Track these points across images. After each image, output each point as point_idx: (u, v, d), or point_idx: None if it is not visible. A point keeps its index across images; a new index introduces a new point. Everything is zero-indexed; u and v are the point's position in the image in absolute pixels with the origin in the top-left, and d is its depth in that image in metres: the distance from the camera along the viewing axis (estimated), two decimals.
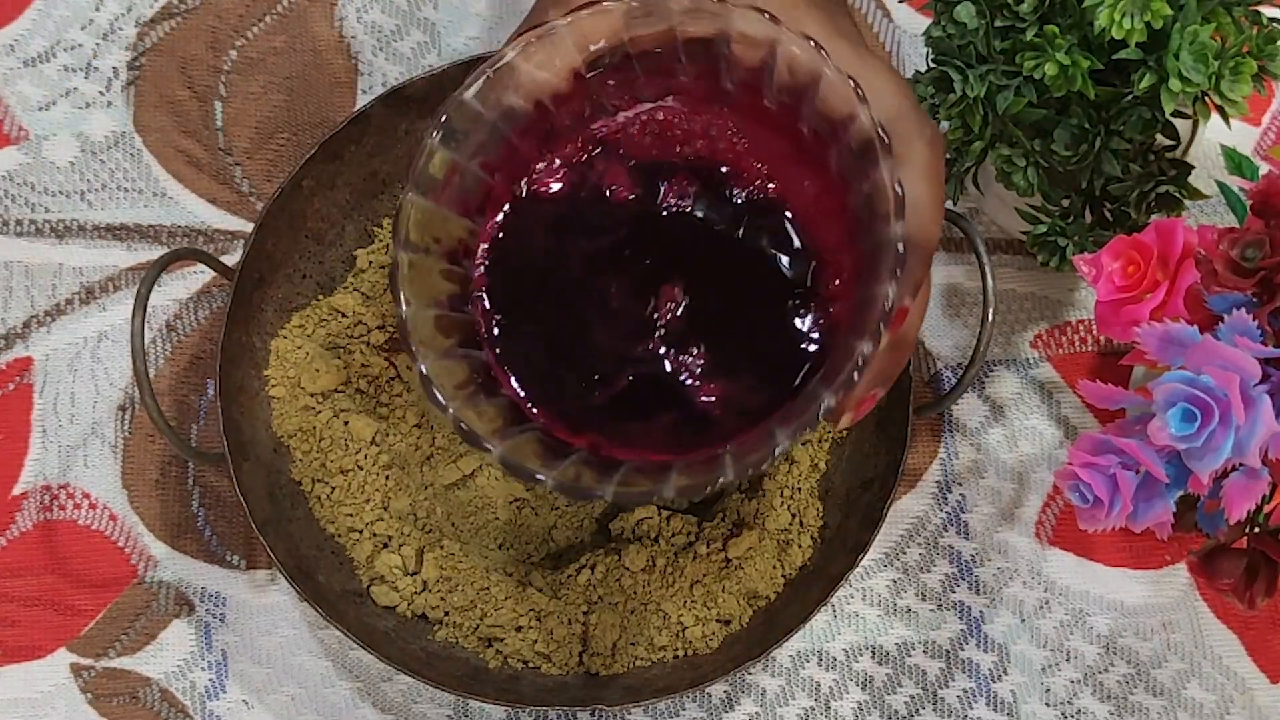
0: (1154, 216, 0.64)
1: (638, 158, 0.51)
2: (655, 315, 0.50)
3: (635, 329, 0.50)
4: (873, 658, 0.70)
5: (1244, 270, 0.53)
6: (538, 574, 0.68)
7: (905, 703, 0.69)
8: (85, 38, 0.78)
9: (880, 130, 0.46)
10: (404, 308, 0.47)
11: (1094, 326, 0.74)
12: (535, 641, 0.67)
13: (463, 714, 0.69)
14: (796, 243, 0.50)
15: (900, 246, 0.45)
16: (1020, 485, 0.72)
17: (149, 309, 0.67)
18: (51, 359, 0.73)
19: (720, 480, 0.45)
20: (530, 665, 0.67)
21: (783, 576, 0.68)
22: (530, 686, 0.66)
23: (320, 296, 0.71)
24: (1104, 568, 0.71)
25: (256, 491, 0.66)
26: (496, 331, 0.50)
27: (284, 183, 0.68)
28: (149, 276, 0.63)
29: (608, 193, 0.51)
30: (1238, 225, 0.57)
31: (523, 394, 0.49)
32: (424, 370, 0.46)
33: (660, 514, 0.69)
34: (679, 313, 0.50)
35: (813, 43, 0.47)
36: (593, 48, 0.49)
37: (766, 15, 0.47)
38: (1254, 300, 0.53)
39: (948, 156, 0.65)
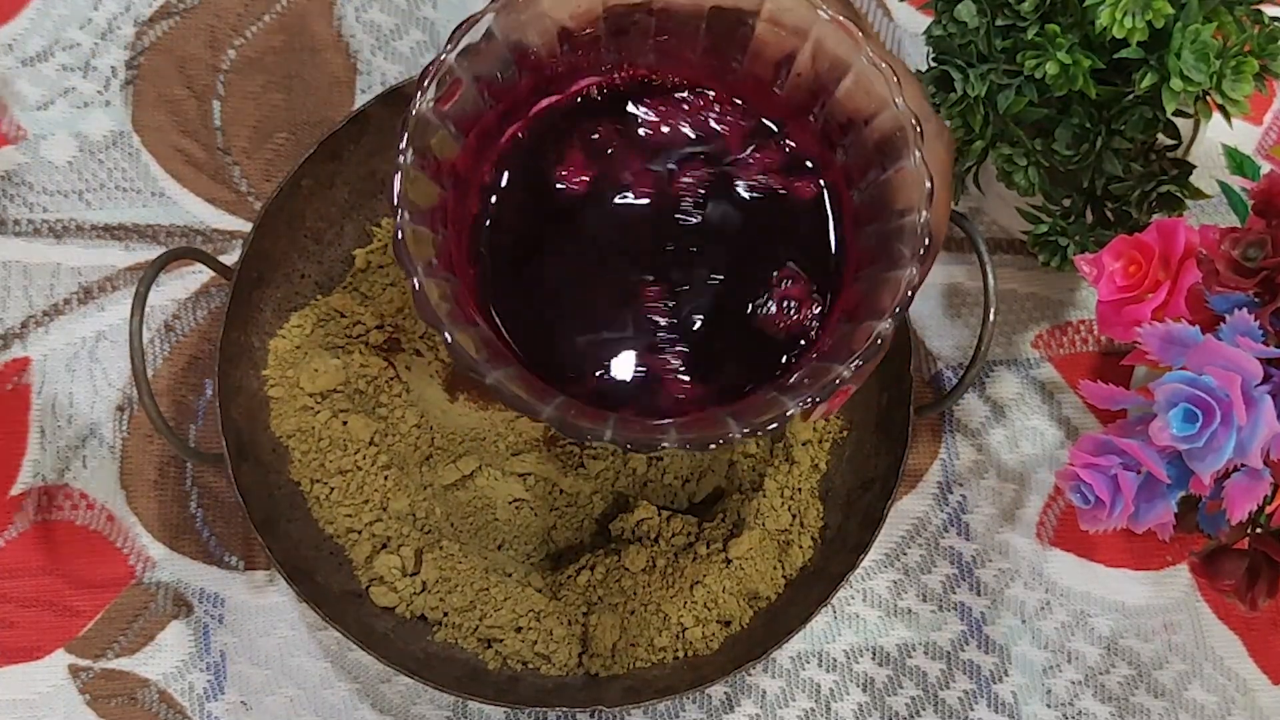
0: (1155, 216, 0.64)
1: (642, 126, 0.51)
2: (650, 290, 0.50)
3: (626, 300, 0.50)
4: (873, 659, 0.70)
5: (1246, 270, 0.53)
6: (537, 575, 0.68)
7: (906, 704, 0.69)
8: (83, 37, 0.77)
9: (915, 120, 0.46)
10: (404, 215, 0.46)
11: (1095, 326, 0.73)
12: (535, 642, 0.67)
13: (462, 715, 0.69)
14: (793, 227, 0.51)
15: (927, 232, 0.45)
16: (1021, 486, 0.72)
17: (147, 309, 0.67)
18: (49, 359, 0.73)
19: (726, 436, 0.45)
20: (530, 666, 0.67)
21: (783, 577, 0.68)
22: (530, 687, 0.66)
23: (319, 296, 0.71)
24: (1105, 569, 0.71)
25: (255, 492, 0.66)
26: (486, 268, 0.50)
27: (282, 182, 0.68)
28: (147, 276, 0.62)
29: (610, 155, 0.51)
30: (1239, 225, 0.57)
31: (505, 329, 0.49)
32: (417, 285, 0.45)
33: (660, 514, 0.68)
34: (675, 290, 0.50)
35: (845, 32, 0.47)
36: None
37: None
38: (1256, 300, 0.53)
39: None
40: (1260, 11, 0.59)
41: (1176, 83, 0.56)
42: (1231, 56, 0.57)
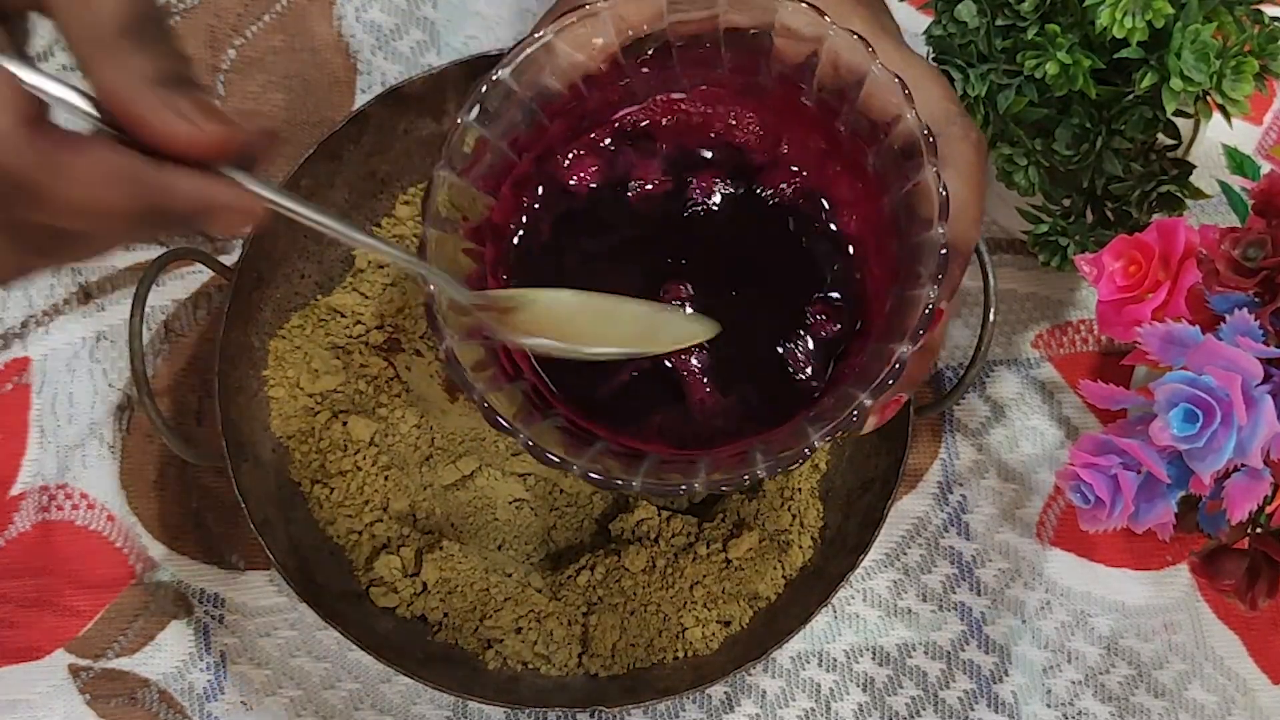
0: (1155, 216, 0.64)
1: (668, 149, 0.51)
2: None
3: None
4: (873, 659, 0.70)
5: (1246, 270, 0.53)
6: (537, 575, 0.68)
7: (906, 704, 0.69)
8: None
9: (926, 131, 0.45)
10: (432, 285, 0.46)
11: (1095, 326, 0.73)
12: (535, 643, 0.67)
13: (462, 715, 0.69)
14: (826, 243, 0.50)
15: (943, 250, 0.45)
16: (1021, 486, 0.72)
17: (147, 309, 0.67)
18: (49, 359, 0.73)
19: (753, 475, 0.45)
20: (530, 666, 0.67)
21: (783, 577, 0.68)
22: (530, 688, 0.66)
23: (319, 296, 0.71)
24: (1105, 568, 0.71)
25: (255, 492, 0.66)
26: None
27: (282, 182, 0.68)
28: (147, 276, 0.62)
29: (635, 184, 0.51)
30: (1239, 225, 0.57)
31: (545, 378, 0.49)
32: (450, 348, 0.45)
33: (660, 515, 0.68)
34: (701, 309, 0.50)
35: (859, 39, 0.46)
36: (632, 32, 0.48)
37: (813, 10, 0.46)
38: (1256, 300, 0.53)
39: None
40: (1260, 11, 0.59)
41: (1176, 83, 0.56)
42: (1231, 56, 0.57)
